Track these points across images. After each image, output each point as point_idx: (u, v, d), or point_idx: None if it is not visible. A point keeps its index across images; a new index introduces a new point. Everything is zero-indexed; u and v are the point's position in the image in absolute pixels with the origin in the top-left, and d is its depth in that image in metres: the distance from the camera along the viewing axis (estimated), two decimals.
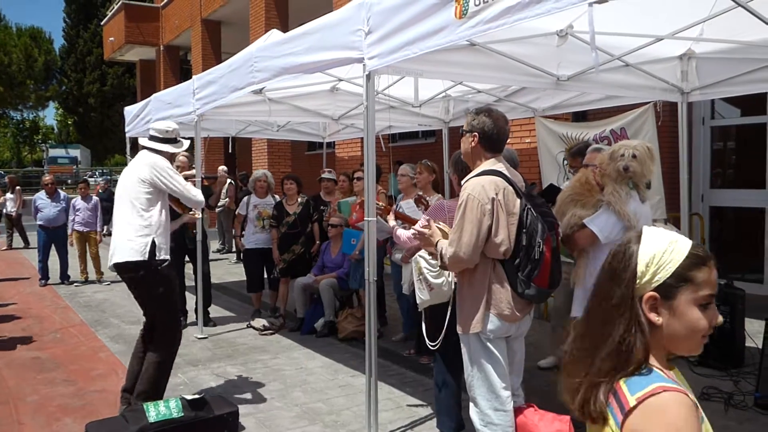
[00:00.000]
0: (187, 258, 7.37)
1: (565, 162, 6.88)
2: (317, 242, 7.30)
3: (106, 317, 7.85)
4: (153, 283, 4.39)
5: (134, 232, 4.38)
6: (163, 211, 4.55)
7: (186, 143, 4.89)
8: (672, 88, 5.61)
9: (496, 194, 3.06)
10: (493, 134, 3.24)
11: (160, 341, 4.49)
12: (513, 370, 3.39)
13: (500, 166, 3.22)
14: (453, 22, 3.36)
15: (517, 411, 3.35)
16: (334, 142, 11.29)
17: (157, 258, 4.38)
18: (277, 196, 7.88)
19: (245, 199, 7.70)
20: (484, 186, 3.08)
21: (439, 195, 5.68)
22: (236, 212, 7.77)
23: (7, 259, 12.97)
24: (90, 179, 15.11)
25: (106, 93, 37.89)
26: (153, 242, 4.37)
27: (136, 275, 4.36)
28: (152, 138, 4.73)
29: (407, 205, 5.20)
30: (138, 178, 4.47)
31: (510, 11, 3.05)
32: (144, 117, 7.85)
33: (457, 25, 3.35)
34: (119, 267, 4.40)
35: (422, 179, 5.66)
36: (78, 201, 10.19)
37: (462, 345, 3.36)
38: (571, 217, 3.52)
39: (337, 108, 7.65)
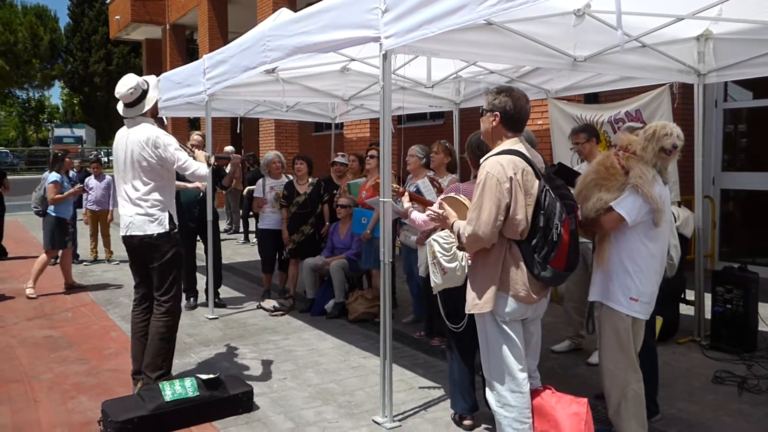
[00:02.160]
0: (197, 238, 7.36)
1: None
2: (327, 223, 7.27)
3: (117, 296, 7.87)
4: (169, 248, 4.48)
5: (149, 206, 4.44)
6: (171, 181, 4.61)
7: (153, 97, 4.61)
8: (688, 69, 5.54)
9: (515, 173, 3.06)
10: (514, 114, 3.21)
11: (169, 310, 4.54)
12: (529, 353, 3.38)
13: (520, 146, 3.20)
14: (473, 1, 3.31)
15: (534, 393, 3.34)
16: (342, 123, 11.24)
17: (171, 228, 4.51)
18: (290, 176, 7.87)
19: (260, 182, 7.68)
20: (503, 165, 3.07)
21: (453, 175, 5.67)
22: (254, 196, 7.73)
23: (15, 237, 12.98)
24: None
25: (111, 72, 37.77)
26: (170, 215, 4.51)
27: (153, 241, 4.44)
28: (124, 104, 4.54)
29: (424, 186, 5.17)
30: (141, 152, 4.42)
31: None
32: None
33: (478, 3, 3.31)
34: (133, 238, 4.47)
35: (438, 159, 5.63)
36: (91, 180, 10.18)
37: (477, 326, 3.36)
38: (596, 201, 3.47)
39: (347, 89, 7.60)
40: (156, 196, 4.46)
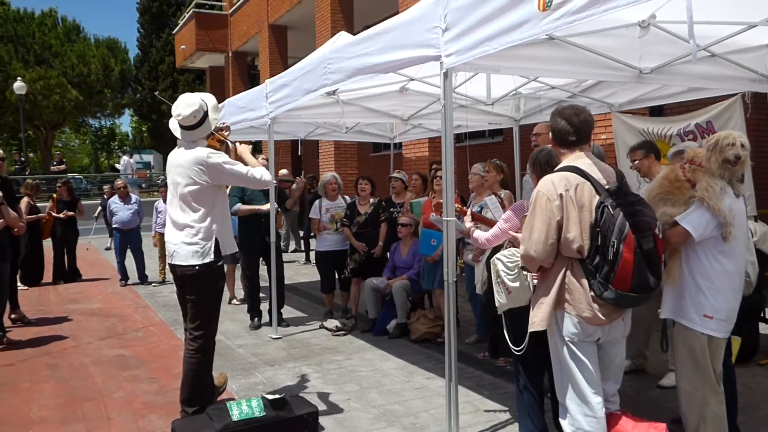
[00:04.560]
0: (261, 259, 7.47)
1: None
2: (380, 243, 7.26)
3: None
4: (210, 281, 4.30)
5: (194, 234, 4.25)
6: (222, 206, 4.42)
7: (220, 113, 4.65)
8: (761, 78, 5.30)
9: (566, 190, 3.03)
10: (562, 132, 3.25)
11: (201, 347, 4.36)
12: (610, 376, 3.25)
13: (581, 162, 3.15)
14: (536, 15, 3.25)
15: (610, 418, 3.21)
16: (401, 142, 11.26)
17: (218, 259, 4.30)
18: (347, 197, 7.90)
19: (316, 203, 7.72)
20: (554, 182, 3.07)
21: (507, 191, 5.72)
22: (310, 217, 7.80)
23: (88, 260, 13.47)
24: None
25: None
26: (216, 242, 4.29)
27: (194, 272, 4.25)
28: (182, 127, 4.38)
29: (491, 202, 5.13)
30: (191, 175, 4.26)
31: (598, 2, 2.93)
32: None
33: (540, 18, 3.25)
34: (176, 267, 4.32)
35: (490, 178, 5.72)
36: (160, 203, 10.47)
37: (549, 346, 3.27)
38: (661, 215, 3.35)
39: (406, 108, 7.60)
40: (204, 223, 4.26)
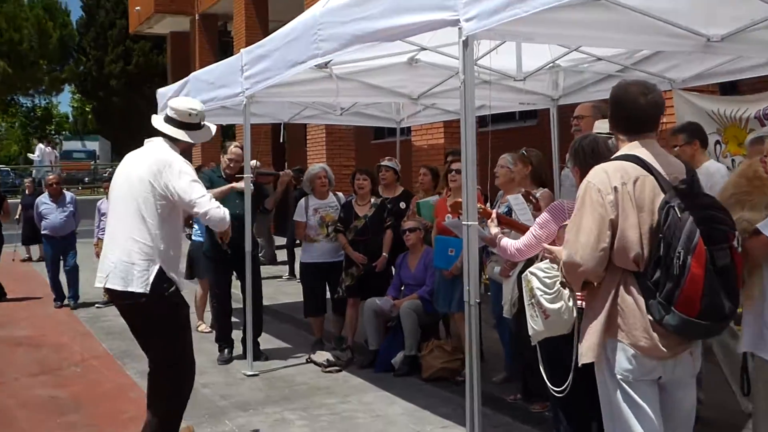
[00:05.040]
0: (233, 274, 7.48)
1: (718, 146, 6.60)
2: (383, 254, 7.24)
3: (135, 347, 7.96)
4: (157, 314, 4.32)
5: (138, 252, 4.28)
6: (177, 224, 4.53)
7: (212, 130, 4.83)
8: None
9: (623, 183, 3.01)
10: (624, 114, 3.22)
11: (161, 394, 4.39)
12: (678, 425, 3.20)
13: (643, 151, 3.12)
14: None
15: None
16: (409, 127, 11.24)
17: (164, 287, 4.33)
18: (341, 194, 7.91)
19: (302, 202, 7.73)
20: (608, 172, 3.06)
21: (545, 189, 5.72)
22: (295, 220, 7.80)
23: (15, 273, 13.32)
24: None
25: (130, 73, 39.06)
26: (160, 270, 4.31)
27: (134, 302, 4.27)
28: (169, 120, 4.62)
29: (516, 202, 5.11)
30: (147, 179, 4.34)
31: None
32: None
33: None
34: (113, 293, 4.37)
35: (517, 172, 5.75)
36: (104, 203, 10.38)
37: (598, 384, 3.24)
38: (738, 222, 3.32)
39: (416, 84, 7.60)
40: (149, 242, 4.29)
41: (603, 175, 3.05)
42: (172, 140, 4.58)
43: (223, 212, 4.46)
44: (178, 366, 4.45)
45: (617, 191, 3.00)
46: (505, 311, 5.55)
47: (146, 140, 4.66)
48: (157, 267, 4.28)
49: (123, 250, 4.29)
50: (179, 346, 4.45)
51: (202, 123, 4.74)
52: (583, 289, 3.22)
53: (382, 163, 7.74)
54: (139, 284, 4.23)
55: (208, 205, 4.39)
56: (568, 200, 3.92)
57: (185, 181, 4.35)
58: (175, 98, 4.71)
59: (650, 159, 3.09)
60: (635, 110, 3.17)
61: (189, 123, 4.62)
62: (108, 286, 4.34)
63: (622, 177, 3.02)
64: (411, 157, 11.75)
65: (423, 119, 9.59)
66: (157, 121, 4.67)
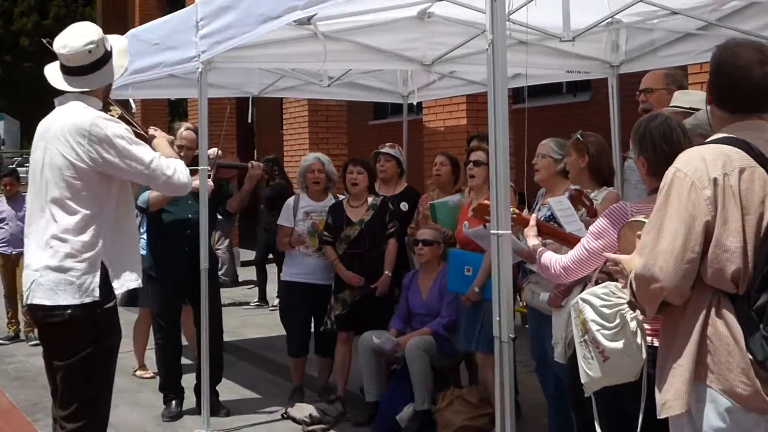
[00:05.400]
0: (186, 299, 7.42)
1: None
2: (385, 273, 7.20)
3: (49, 397, 7.91)
4: (89, 337, 4.26)
5: (70, 253, 4.23)
6: (124, 208, 4.51)
7: (122, 43, 4.66)
8: None
9: (726, 174, 2.98)
10: (729, 82, 3.15)
11: None
12: None
13: (751, 134, 3.07)
14: None
15: None
16: (420, 103, 11.18)
17: (106, 299, 4.31)
18: (340, 195, 7.89)
19: (289, 202, 7.78)
20: (706, 159, 3.03)
21: (610, 189, 5.60)
22: (279, 224, 7.76)
23: None
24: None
25: (47, 30, 39.07)
26: (105, 272, 4.29)
27: (66, 320, 4.20)
28: (67, 70, 4.47)
29: (559, 206, 5.04)
30: (69, 156, 4.27)
31: None
32: None
33: None
34: (38, 312, 4.30)
35: (571, 164, 5.61)
36: (2, 205, 10.43)
37: None
38: None
39: (429, 46, 7.61)
40: (83, 236, 4.25)
41: (698, 161, 3.00)
42: (86, 94, 4.46)
43: (187, 173, 4.50)
44: (86, 419, 4.34)
45: (717, 184, 2.95)
46: (557, 354, 5.43)
47: (56, 102, 4.54)
48: (98, 271, 4.26)
49: (50, 253, 4.24)
50: (93, 390, 4.36)
51: (109, 48, 4.52)
52: (659, 313, 3.17)
53: (381, 150, 7.76)
54: (77, 294, 4.20)
55: (166, 168, 4.38)
56: (634, 202, 3.96)
57: (122, 146, 4.29)
58: (61, 35, 4.45)
59: (763, 146, 3.05)
60: (748, 82, 3.11)
61: (94, 62, 4.43)
62: (32, 302, 4.29)
63: (725, 166, 2.97)
64: (422, 144, 11.76)
65: (439, 93, 9.61)
66: (54, 76, 4.51)
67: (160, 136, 4.75)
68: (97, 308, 4.24)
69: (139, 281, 4.56)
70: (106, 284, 4.29)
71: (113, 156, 4.28)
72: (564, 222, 5.04)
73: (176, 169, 4.44)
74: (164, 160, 4.42)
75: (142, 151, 4.37)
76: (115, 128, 4.32)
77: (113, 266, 4.33)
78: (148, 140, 4.70)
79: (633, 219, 3.58)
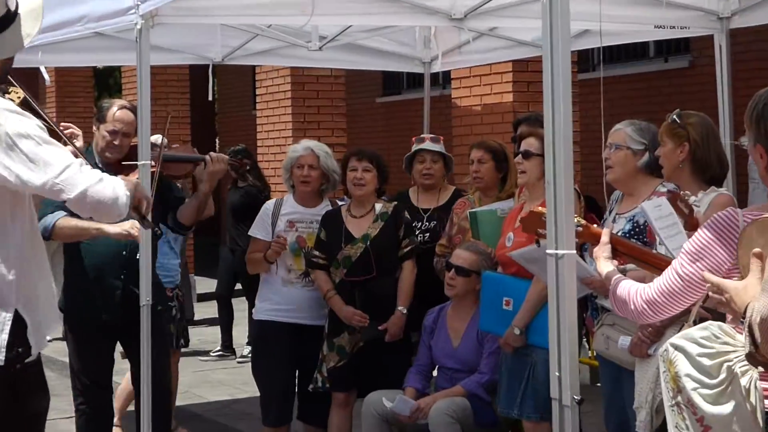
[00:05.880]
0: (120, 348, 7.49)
1: None
2: (399, 310, 7.25)
3: None
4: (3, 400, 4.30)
5: None
6: (33, 233, 4.54)
7: (28, 35, 4.64)
8: None
9: None
10: None
11: None
12: None
13: None
14: None
15: None
16: (448, 72, 11.25)
17: (26, 351, 4.34)
18: (340, 200, 7.94)
19: (268, 205, 7.83)
20: None
21: (721, 190, 5.52)
22: (251, 236, 7.80)
23: None
24: None
25: None
26: (18, 319, 4.32)
27: None
28: None
29: (658, 212, 5.02)
30: None
31: None
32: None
33: None
34: None
35: (665, 156, 5.55)
36: None
37: None
38: None
39: None
40: None
41: None
42: None
43: (113, 187, 4.33)
44: None
45: None
46: (640, 423, 5.47)
47: None
48: (10, 316, 4.28)
49: None
50: None
51: (13, 7, 4.48)
52: None
53: (422, 147, 7.73)
54: None
55: (84, 179, 4.28)
56: (749, 209, 3.86)
57: (28, 148, 4.25)
58: None
59: None
60: None
61: None
62: None
63: None
64: (450, 129, 11.79)
65: (474, 58, 9.65)
66: None
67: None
68: (13, 367, 4.27)
69: (61, 326, 4.58)
70: (21, 334, 4.31)
71: (16, 163, 4.23)
72: (664, 236, 4.89)
73: (102, 178, 4.31)
74: (87, 168, 4.35)
75: (55, 154, 4.30)
76: (19, 123, 4.27)
77: (28, 310, 4.34)
78: (65, 141, 4.79)
79: (764, 216, 3.53)
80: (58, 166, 4.24)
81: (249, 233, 7.95)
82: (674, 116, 5.54)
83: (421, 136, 7.98)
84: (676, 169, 5.51)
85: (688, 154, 5.45)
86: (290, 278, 7.57)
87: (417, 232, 7.62)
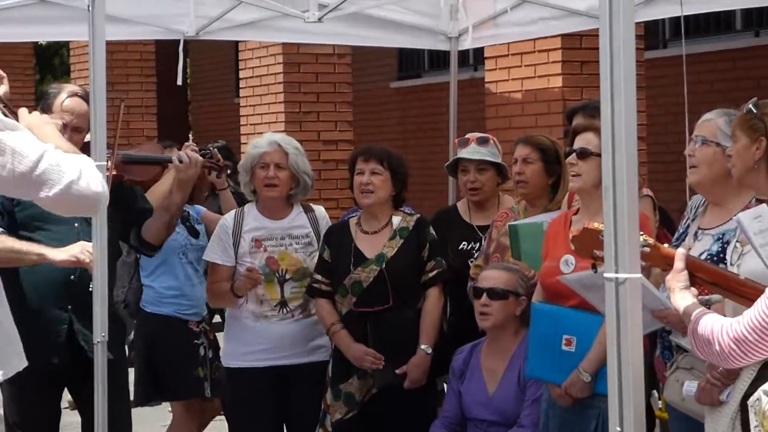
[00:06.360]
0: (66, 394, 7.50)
1: None
2: (421, 349, 7.28)
3: None
4: None
5: None
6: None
7: None
8: None
9: None
10: None
11: None
12: None
13: None
14: None
15: None
16: (481, 50, 11.31)
17: None
18: (321, 210, 7.96)
19: (227, 220, 7.86)
20: None
21: None
22: (206, 260, 7.80)
23: None
24: None
25: None
26: None
27: None
28: None
29: (758, 225, 4.95)
30: None
31: None
32: None
33: None
34: None
35: (737, 154, 5.41)
36: None
37: None
38: None
39: None
40: None
41: None
42: None
43: (100, 178, 4.31)
44: None
45: None
46: None
47: None
48: None
49: None
50: None
51: None
52: None
53: (461, 156, 7.72)
54: None
55: (67, 169, 4.21)
56: None
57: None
58: None
59: None
60: None
61: None
62: None
63: None
64: (484, 121, 11.80)
65: (512, 32, 9.69)
66: None
67: (44, 121, 4.68)
68: None
69: (22, 360, 4.63)
70: None
71: None
72: (766, 255, 4.88)
73: (82, 169, 4.23)
74: (61, 155, 4.24)
75: (25, 142, 4.22)
76: None
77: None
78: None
79: None
80: (33, 153, 4.16)
81: (204, 257, 7.98)
82: (750, 105, 5.36)
83: (466, 136, 7.87)
84: (750, 170, 5.32)
85: (765, 151, 5.34)
86: (263, 311, 7.57)
87: (476, 255, 7.59)
